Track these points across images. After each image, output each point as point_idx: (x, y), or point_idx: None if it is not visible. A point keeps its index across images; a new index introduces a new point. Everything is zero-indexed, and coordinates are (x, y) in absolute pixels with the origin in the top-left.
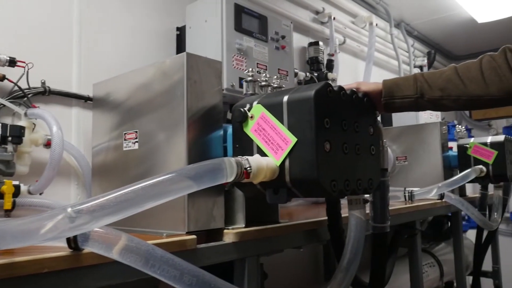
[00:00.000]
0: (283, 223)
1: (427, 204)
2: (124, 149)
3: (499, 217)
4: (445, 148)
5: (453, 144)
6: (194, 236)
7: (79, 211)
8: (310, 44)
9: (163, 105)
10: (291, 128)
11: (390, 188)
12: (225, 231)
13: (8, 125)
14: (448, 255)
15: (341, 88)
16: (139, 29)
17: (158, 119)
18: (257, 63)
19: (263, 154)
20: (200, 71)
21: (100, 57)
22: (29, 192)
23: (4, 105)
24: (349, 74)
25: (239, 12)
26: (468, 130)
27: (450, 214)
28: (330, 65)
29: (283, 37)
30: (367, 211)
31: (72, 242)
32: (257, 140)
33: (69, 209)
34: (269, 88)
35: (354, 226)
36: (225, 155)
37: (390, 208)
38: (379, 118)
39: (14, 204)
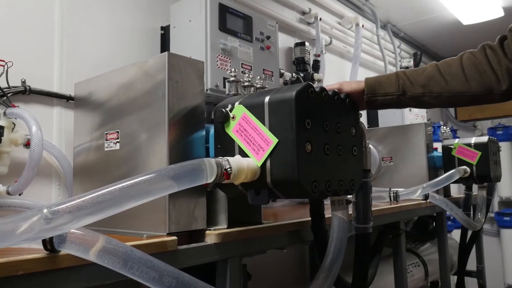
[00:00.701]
0: (266, 224)
1: (412, 205)
2: (106, 149)
3: (483, 217)
4: (430, 148)
5: (438, 145)
6: (174, 237)
7: (56, 212)
8: (296, 44)
9: (145, 105)
10: (272, 129)
11: (375, 188)
12: (207, 232)
13: None
14: (433, 255)
15: (322, 89)
16: (122, 28)
17: (139, 119)
18: (242, 63)
19: (244, 155)
20: (182, 71)
21: (82, 56)
22: (8, 193)
23: None
24: (336, 75)
25: (224, 12)
26: (454, 131)
27: (435, 215)
28: (316, 66)
29: (268, 37)
30: (350, 212)
31: (48, 244)
32: (239, 141)
33: (45, 210)
34: (252, 89)
35: (336, 227)
36: (207, 155)
37: (374, 208)
38: (362, 119)
39: None
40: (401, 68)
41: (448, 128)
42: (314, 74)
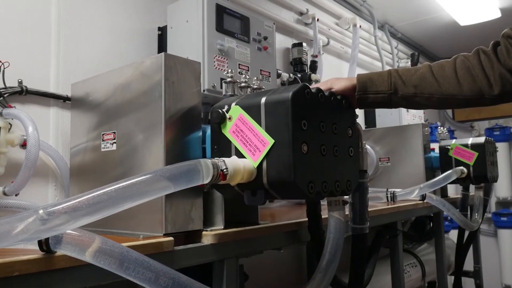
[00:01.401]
0: (262, 225)
1: (409, 205)
2: (102, 150)
3: (480, 217)
4: (427, 149)
5: (435, 146)
6: (171, 238)
7: (51, 212)
8: (294, 45)
9: (141, 106)
10: (268, 130)
11: (372, 188)
12: (204, 232)
13: None
14: (430, 255)
15: (319, 90)
16: (119, 28)
17: (136, 120)
18: (239, 64)
19: (241, 155)
20: (179, 72)
21: (79, 56)
22: (5, 193)
23: None
24: (333, 75)
25: (221, 12)
26: (451, 131)
27: (432, 215)
28: (313, 66)
29: (265, 38)
30: (347, 213)
31: (44, 245)
32: (235, 142)
33: (41, 211)
34: (249, 89)
35: (333, 228)
36: (204, 156)
37: (372, 209)
38: (359, 120)
39: None
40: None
41: (445, 128)
42: (312, 75)
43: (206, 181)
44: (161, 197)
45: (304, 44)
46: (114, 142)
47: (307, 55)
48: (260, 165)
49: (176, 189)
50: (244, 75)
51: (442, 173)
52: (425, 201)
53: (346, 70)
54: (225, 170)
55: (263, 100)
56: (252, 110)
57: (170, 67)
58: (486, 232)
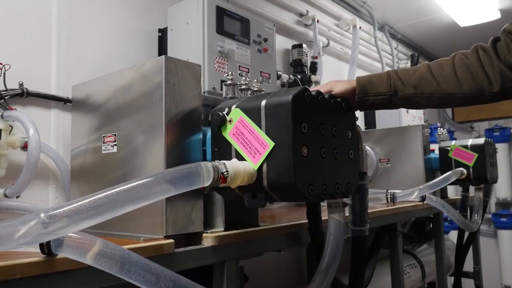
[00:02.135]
0: (262, 226)
1: (409, 206)
2: (103, 152)
3: (479, 218)
4: (427, 150)
5: (435, 147)
6: (171, 240)
7: (53, 216)
8: (294, 46)
9: (142, 108)
10: (268, 133)
11: (372, 189)
12: (204, 234)
13: None
14: (430, 256)
15: (319, 92)
16: (120, 30)
17: (137, 122)
18: (239, 66)
19: (241, 158)
20: (179, 74)
21: (80, 58)
22: (6, 196)
23: None
24: (333, 76)
25: (221, 14)
26: (451, 132)
27: (432, 216)
28: (313, 68)
29: (265, 39)
30: (347, 214)
31: (45, 248)
32: (236, 144)
33: (43, 215)
34: (249, 92)
35: (333, 229)
36: (204, 158)
37: (371, 210)
38: (359, 121)
39: None
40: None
41: (445, 130)
42: (312, 76)
43: (207, 184)
44: (162, 200)
45: (304, 45)
46: (115, 145)
47: (307, 56)
48: (260, 168)
49: (177, 192)
50: (244, 77)
51: (441, 174)
52: (424, 202)
53: (346, 71)
54: (225, 173)
55: (263, 102)
56: (252, 112)
57: (171, 69)
58: (486, 233)
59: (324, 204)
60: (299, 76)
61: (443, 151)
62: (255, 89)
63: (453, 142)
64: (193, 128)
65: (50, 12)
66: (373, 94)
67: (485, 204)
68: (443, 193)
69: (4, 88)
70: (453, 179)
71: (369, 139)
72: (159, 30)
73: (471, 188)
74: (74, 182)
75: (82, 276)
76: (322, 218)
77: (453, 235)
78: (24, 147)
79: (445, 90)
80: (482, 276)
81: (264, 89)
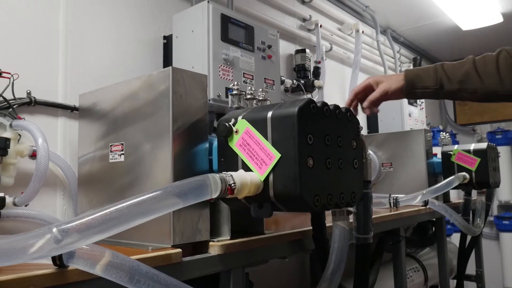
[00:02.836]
0: (268, 234)
1: (412, 211)
2: (110, 161)
3: (482, 222)
4: (429, 154)
5: (437, 150)
6: (179, 250)
7: (65, 230)
8: (297, 51)
9: (149, 118)
10: (275, 144)
11: (375, 194)
12: (211, 243)
13: None
14: (432, 259)
15: (324, 103)
16: (125, 37)
17: (144, 132)
18: (244, 73)
19: (247, 168)
20: (186, 84)
21: (86, 66)
22: (15, 204)
23: None
24: (336, 81)
25: (226, 22)
26: (453, 135)
27: (434, 220)
28: (316, 73)
29: (269, 46)
30: (351, 220)
31: (58, 260)
32: (242, 155)
33: (55, 229)
34: (255, 101)
35: (337, 237)
36: (211, 168)
37: (375, 216)
38: (362, 124)
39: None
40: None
41: (447, 133)
42: (315, 81)
43: (215, 195)
44: None
45: (307, 50)
46: (122, 154)
47: (310, 61)
48: (266, 179)
49: (185, 205)
50: (250, 87)
51: (444, 178)
52: (427, 206)
53: (348, 75)
54: (233, 184)
55: (269, 114)
56: (258, 124)
57: (178, 80)
58: (488, 235)
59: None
60: (302, 81)
61: (446, 156)
62: (261, 98)
63: (456, 146)
64: (200, 138)
65: (57, 22)
66: (421, 87)
67: (487, 208)
68: (445, 197)
69: (12, 97)
70: (456, 183)
71: (372, 143)
72: (164, 37)
73: (474, 192)
74: (82, 190)
75: (93, 287)
76: (326, 225)
77: (455, 238)
78: (33, 155)
79: (488, 87)
80: (485, 279)
81: (269, 98)
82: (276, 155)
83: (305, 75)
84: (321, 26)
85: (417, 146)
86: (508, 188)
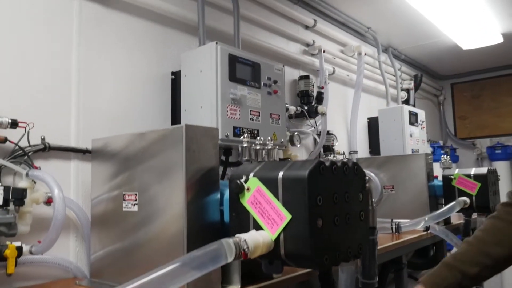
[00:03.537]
0: (276, 278)
1: (414, 238)
2: (124, 209)
3: None
4: (430, 177)
5: (437, 165)
6: None
7: None
8: (301, 77)
9: (163, 171)
10: (285, 204)
11: (378, 219)
12: None
13: (11, 187)
14: None
15: (332, 162)
16: (137, 75)
17: (158, 183)
18: (251, 110)
19: (258, 226)
20: (198, 140)
21: (99, 107)
22: (31, 253)
23: (6, 166)
24: (339, 102)
25: (233, 62)
26: (453, 149)
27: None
28: (320, 98)
29: (275, 81)
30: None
31: None
32: (253, 213)
33: None
34: (264, 151)
35: (344, 281)
36: (222, 218)
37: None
38: (365, 144)
39: (16, 264)
40: (402, 90)
41: (448, 156)
42: (318, 107)
43: (229, 260)
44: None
45: (311, 76)
46: (136, 204)
47: (313, 86)
48: (277, 238)
49: (202, 273)
50: (259, 137)
51: (445, 201)
52: (428, 232)
53: (351, 96)
54: (246, 249)
55: (280, 174)
56: (269, 183)
57: (191, 137)
58: None
59: None
60: (306, 107)
61: (447, 180)
62: (269, 147)
63: (457, 170)
64: (211, 189)
65: (70, 66)
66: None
67: None
68: (446, 219)
69: (27, 144)
70: (457, 209)
71: (373, 165)
72: (172, 73)
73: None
74: (95, 231)
75: None
76: None
77: None
78: (48, 202)
79: (501, 255)
80: None
81: (277, 147)
82: (287, 216)
83: (308, 101)
84: (324, 51)
85: (418, 170)
86: None
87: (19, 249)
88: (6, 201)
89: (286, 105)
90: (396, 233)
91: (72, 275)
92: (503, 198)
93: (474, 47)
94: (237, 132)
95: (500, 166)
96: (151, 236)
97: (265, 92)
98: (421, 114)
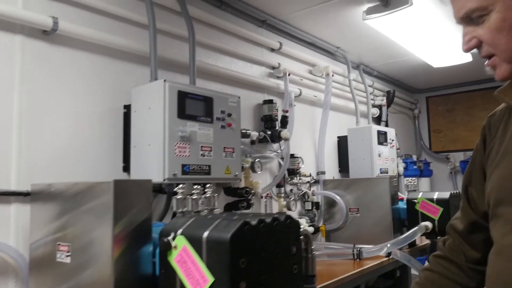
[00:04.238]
0: None
1: (375, 264)
2: (57, 260)
3: None
4: (394, 200)
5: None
6: None
7: None
8: (265, 102)
9: (94, 222)
10: (209, 266)
11: (340, 244)
12: None
13: None
14: None
15: (260, 221)
16: (82, 111)
17: (88, 233)
18: (201, 146)
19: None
20: (129, 193)
21: (42, 148)
22: None
23: None
24: (306, 122)
25: (183, 98)
26: (427, 164)
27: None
28: (284, 121)
29: (229, 114)
30: None
31: None
32: (179, 272)
33: None
34: (201, 201)
35: None
36: (154, 271)
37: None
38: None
39: None
40: (374, 106)
41: (414, 179)
42: (281, 132)
43: None
44: None
45: (274, 101)
46: (68, 255)
47: (277, 111)
48: None
49: None
50: (196, 186)
51: (408, 225)
52: (390, 257)
53: (319, 116)
54: None
55: (205, 235)
56: (195, 243)
57: (121, 192)
58: None
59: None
60: (269, 132)
61: (410, 203)
62: (208, 194)
63: (420, 194)
64: (143, 240)
65: (11, 108)
66: None
67: None
68: (411, 242)
69: None
70: (419, 234)
71: (340, 186)
72: (125, 106)
73: None
74: (33, 276)
75: None
76: None
77: None
78: None
79: None
80: None
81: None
82: (210, 279)
83: (272, 125)
84: (289, 74)
85: (383, 193)
86: None
87: None
88: None
89: (248, 132)
90: (358, 260)
91: None
92: None
93: (444, 65)
94: (186, 169)
95: None
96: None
97: (218, 126)
98: (391, 133)
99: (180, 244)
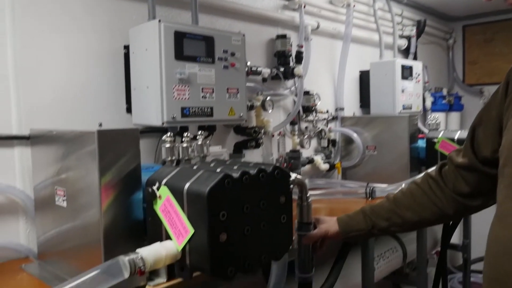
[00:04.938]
0: None
1: None
2: (56, 203)
3: None
4: (413, 139)
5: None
6: None
7: None
8: (278, 37)
9: (83, 170)
10: (190, 218)
11: (353, 182)
12: (147, 287)
13: None
14: (414, 233)
15: (244, 173)
16: (81, 52)
17: (80, 181)
18: (202, 88)
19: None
20: (116, 142)
21: (40, 92)
22: None
23: None
24: (325, 57)
25: (180, 39)
26: (457, 98)
27: None
28: (299, 57)
29: (232, 54)
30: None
31: None
32: (164, 221)
33: None
34: (190, 149)
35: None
36: (145, 216)
37: None
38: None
39: None
40: (402, 37)
41: (437, 116)
42: (295, 69)
43: (126, 277)
44: (101, 253)
45: (288, 35)
46: (65, 200)
47: (291, 46)
48: (184, 248)
49: None
50: (186, 133)
51: (426, 165)
52: None
53: (339, 49)
54: (142, 267)
55: (186, 186)
56: (177, 194)
57: (105, 142)
58: None
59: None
60: (282, 69)
61: (430, 143)
62: (200, 143)
63: (441, 133)
64: (132, 188)
65: (5, 50)
66: (355, 231)
67: None
68: None
69: None
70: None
71: (359, 124)
72: (125, 47)
73: None
74: (38, 215)
75: None
76: None
77: None
78: None
79: (411, 219)
80: (471, 250)
81: (208, 142)
82: (191, 230)
83: (285, 61)
84: (304, 6)
85: (401, 131)
86: None
87: None
88: None
89: (259, 69)
90: (370, 199)
91: (24, 255)
92: None
93: None
94: (185, 112)
95: None
96: (77, 231)
97: (220, 67)
98: (417, 67)
99: (164, 194)
